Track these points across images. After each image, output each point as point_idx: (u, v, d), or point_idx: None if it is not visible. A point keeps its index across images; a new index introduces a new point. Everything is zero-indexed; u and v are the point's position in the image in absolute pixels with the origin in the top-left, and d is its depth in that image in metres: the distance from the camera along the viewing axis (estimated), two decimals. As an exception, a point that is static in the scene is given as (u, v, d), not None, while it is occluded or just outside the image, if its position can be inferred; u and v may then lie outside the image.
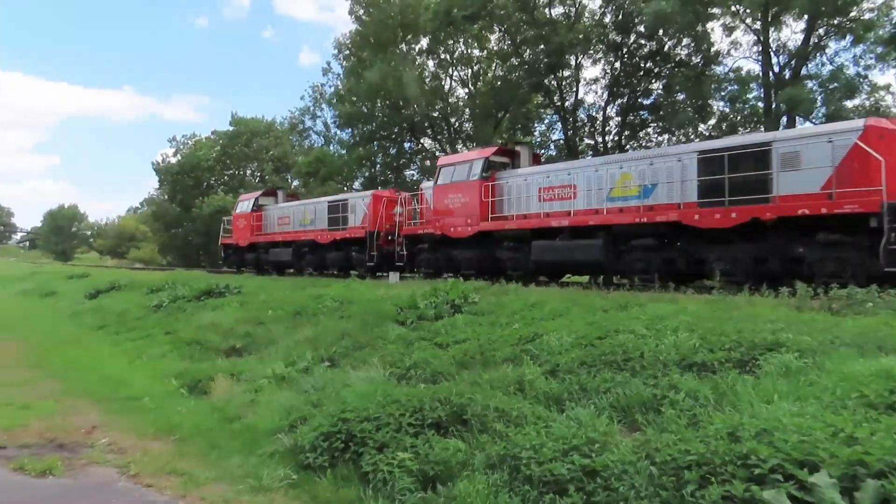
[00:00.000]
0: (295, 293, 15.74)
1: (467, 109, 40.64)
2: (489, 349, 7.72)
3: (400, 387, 6.90)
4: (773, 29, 27.70)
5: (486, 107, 37.77)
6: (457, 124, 41.28)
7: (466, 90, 40.82)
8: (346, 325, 10.80)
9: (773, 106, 26.59)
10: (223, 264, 31.71)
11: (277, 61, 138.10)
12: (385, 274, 19.34)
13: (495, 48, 38.22)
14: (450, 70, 40.15)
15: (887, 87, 27.74)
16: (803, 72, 27.45)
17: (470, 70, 39.98)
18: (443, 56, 39.19)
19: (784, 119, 26.32)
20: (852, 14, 25.46)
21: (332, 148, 45.27)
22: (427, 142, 43.14)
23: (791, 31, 28.27)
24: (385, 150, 42.69)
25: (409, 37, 38.81)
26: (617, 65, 33.94)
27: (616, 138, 35.60)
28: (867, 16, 25.58)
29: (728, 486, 3.62)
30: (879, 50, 25.85)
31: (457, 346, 8.21)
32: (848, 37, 26.45)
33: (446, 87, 40.15)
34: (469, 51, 39.51)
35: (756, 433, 4.00)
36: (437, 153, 42.64)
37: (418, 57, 40.19)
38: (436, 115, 39.69)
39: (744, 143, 12.09)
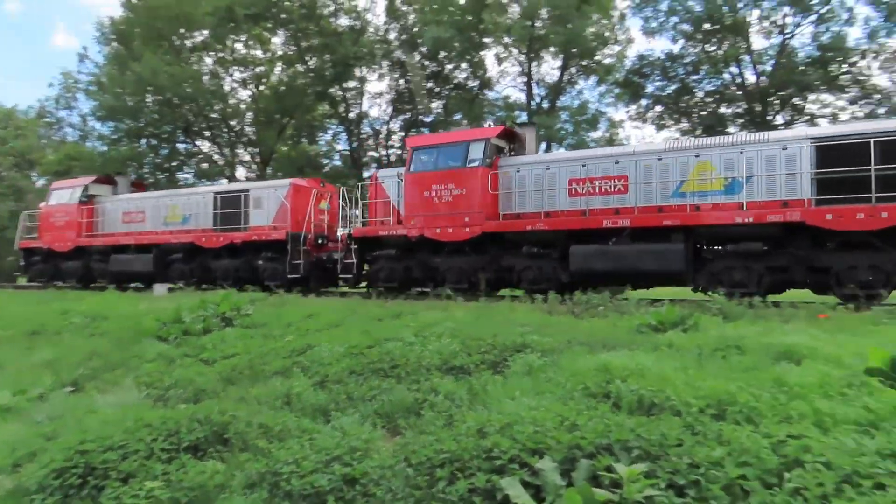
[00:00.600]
0: (34, 308, 13.70)
1: (250, 113, 38.88)
2: (259, 363, 7.47)
3: (155, 409, 6.34)
4: (535, 63, 31.20)
5: (270, 111, 36.54)
6: (238, 127, 39.26)
7: (249, 92, 39.10)
8: (97, 344, 9.68)
9: (536, 132, 29.79)
10: (25, 276, 23.85)
11: (23, 40, 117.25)
12: (305, 287, 16.06)
13: (279, 52, 37.24)
14: (230, 70, 38.09)
15: (620, 123, 33.03)
16: (559, 104, 31.26)
17: (252, 71, 38.34)
18: (222, 54, 37.06)
19: (543, 144, 29.64)
20: (597, 57, 29.77)
21: (89, 144, 40.02)
22: (205, 144, 40.35)
23: (549, 67, 32.19)
24: (155, 150, 38.90)
25: (183, 31, 36.02)
26: (401, 81, 35.23)
27: (399, 152, 36.85)
28: (608, 60, 30.19)
29: (473, 479, 3.94)
30: (617, 91, 30.57)
31: (225, 362, 7.81)
32: (593, 77, 30.87)
33: (226, 87, 37.98)
34: (251, 52, 37.93)
35: (500, 427, 4.41)
36: (216, 156, 40.18)
37: (193, 53, 37.48)
38: (214, 115, 37.29)
39: (881, 129, 10.15)
